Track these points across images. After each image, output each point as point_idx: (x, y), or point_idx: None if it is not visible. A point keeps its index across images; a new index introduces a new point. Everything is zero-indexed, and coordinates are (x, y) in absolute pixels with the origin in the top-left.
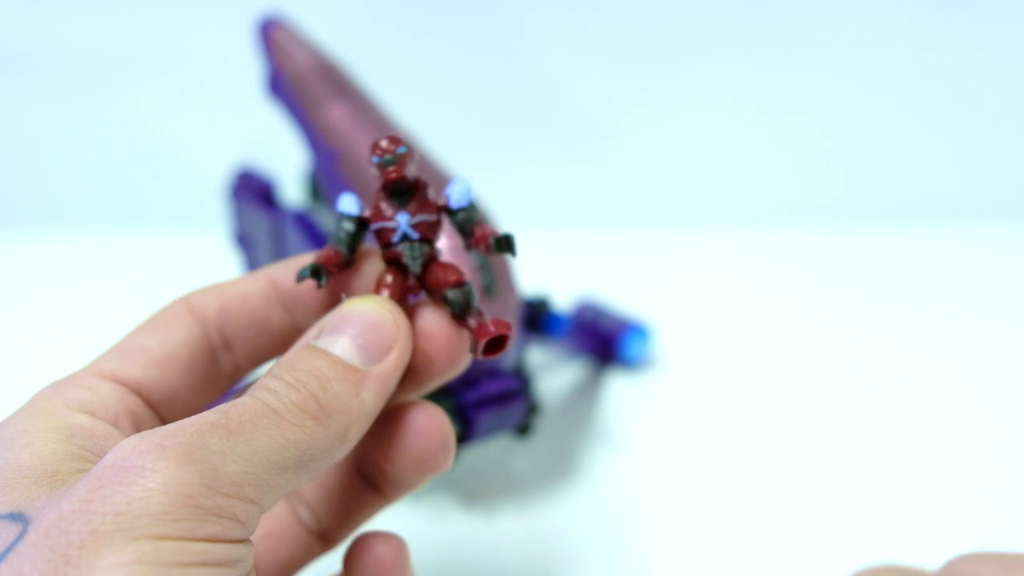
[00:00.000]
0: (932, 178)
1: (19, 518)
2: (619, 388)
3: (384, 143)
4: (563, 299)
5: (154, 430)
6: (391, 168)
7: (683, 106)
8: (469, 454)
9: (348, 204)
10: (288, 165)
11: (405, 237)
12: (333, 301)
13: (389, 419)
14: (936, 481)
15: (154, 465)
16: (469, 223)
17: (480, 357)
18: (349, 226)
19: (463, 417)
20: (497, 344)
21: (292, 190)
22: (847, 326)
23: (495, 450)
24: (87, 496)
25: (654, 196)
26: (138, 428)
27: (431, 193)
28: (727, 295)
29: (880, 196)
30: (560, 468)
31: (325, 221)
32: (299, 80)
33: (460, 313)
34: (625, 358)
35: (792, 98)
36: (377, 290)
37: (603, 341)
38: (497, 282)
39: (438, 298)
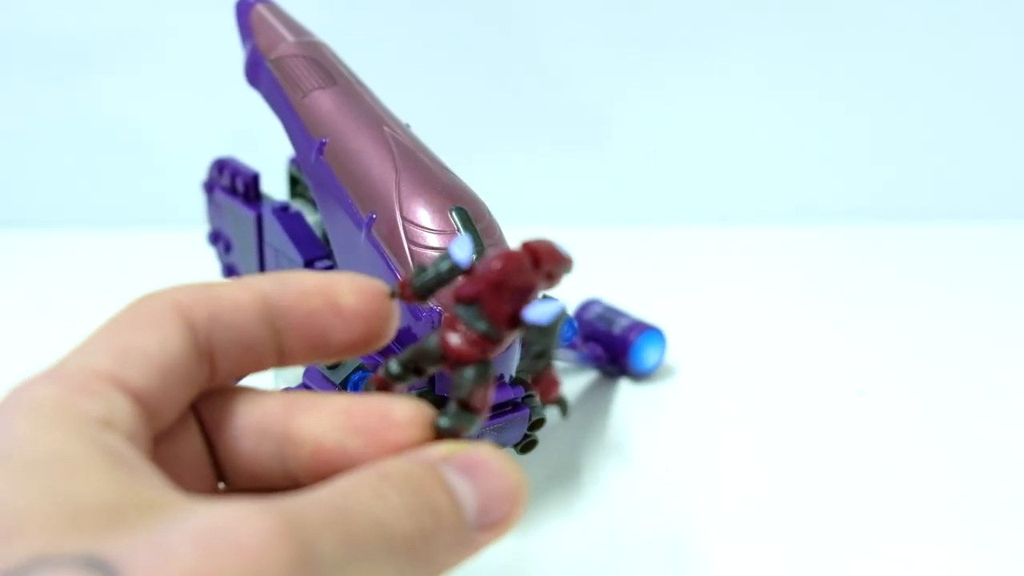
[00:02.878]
0: (957, 177)
1: (100, 566)
2: (627, 398)
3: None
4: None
5: (273, 504)
6: None
7: (690, 97)
8: None
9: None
10: (278, 158)
11: None
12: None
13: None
14: (963, 493)
15: (276, 554)
16: None
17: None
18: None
19: None
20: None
21: (279, 185)
22: (872, 331)
23: None
24: (197, 563)
25: (662, 192)
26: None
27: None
28: (742, 298)
29: (905, 196)
30: (564, 482)
31: (310, 216)
32: (280, 63)
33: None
34: (638, 366)
35: (809, 90)
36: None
37: (614, 347)
38: None
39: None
